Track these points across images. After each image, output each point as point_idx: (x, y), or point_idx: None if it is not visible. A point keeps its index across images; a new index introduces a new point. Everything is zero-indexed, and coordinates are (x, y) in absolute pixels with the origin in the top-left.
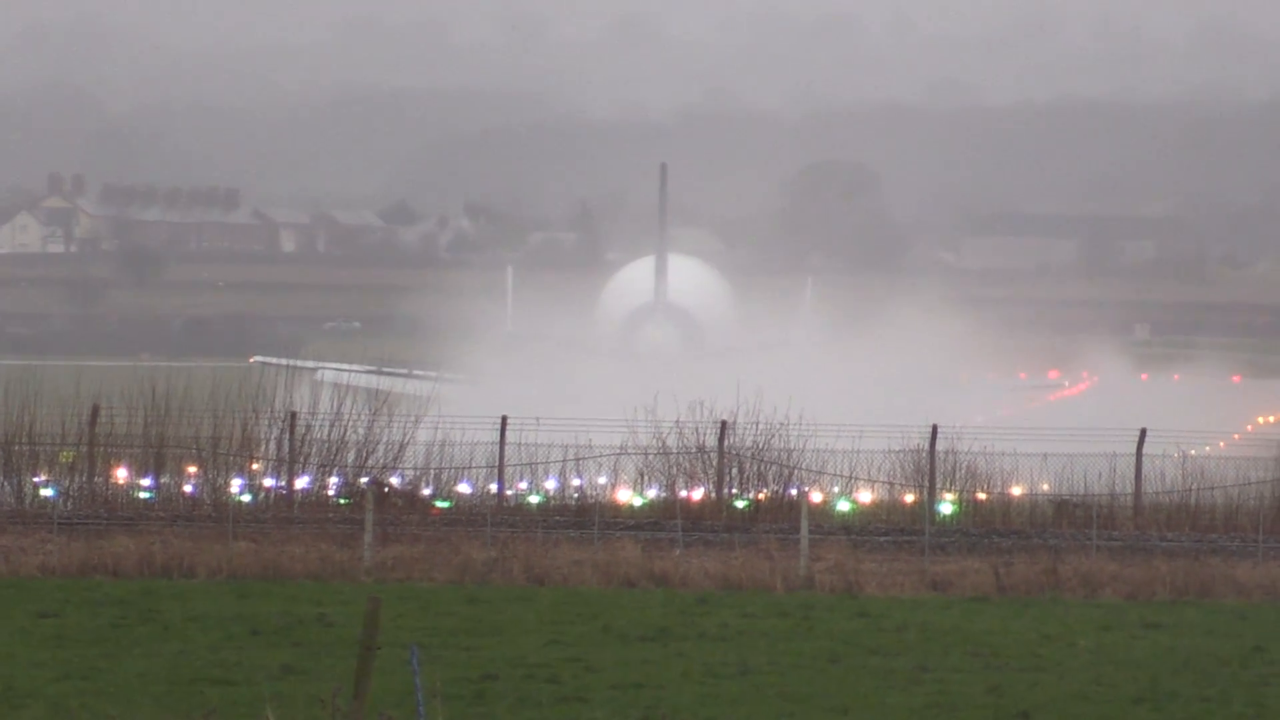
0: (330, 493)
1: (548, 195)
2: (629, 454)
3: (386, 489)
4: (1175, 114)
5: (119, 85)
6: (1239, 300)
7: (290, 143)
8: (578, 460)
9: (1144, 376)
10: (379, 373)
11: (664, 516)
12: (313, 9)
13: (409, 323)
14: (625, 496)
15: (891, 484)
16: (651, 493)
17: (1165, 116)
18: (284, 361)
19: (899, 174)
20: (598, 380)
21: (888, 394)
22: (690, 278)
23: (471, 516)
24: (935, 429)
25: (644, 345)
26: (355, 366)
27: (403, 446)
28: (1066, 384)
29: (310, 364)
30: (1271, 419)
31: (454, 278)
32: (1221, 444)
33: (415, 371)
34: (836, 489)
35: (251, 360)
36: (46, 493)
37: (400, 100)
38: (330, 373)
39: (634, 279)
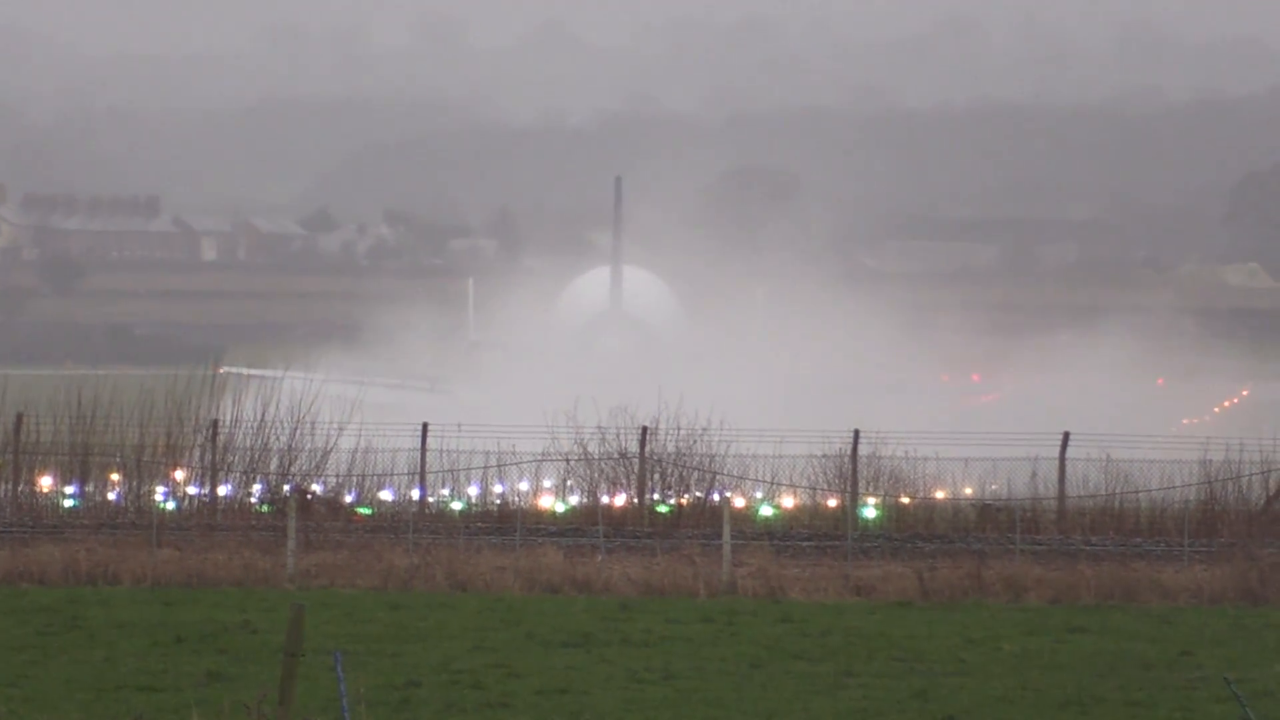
0: (253, 500)
1: (467, 202)
2: (551, 460)
3: (309, 496)
4: (1097, 117)
5: (39, 94)
6: (1162, 302)
7: (211, 150)
8: (499, 467)
9: (1061, 379)
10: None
11: (586, 522)
12: (234, 17)
13: (368, 331)
14: (547, 503)
15: (814, 489)
16: (574, 499)
17: (1087, 120)
18: (255, 372)
19: (820, 178)
20: (556, 387)
21: (814, 399)
22: (644, 288)
23: (394, 523)
24: (857, 433)
25: (600, 353)
26: (323, 375)
27: (325, 454)
28: (991, 389)
29: (275, 373)
30: (1195, 421)
31: (390, 285)
32: (1146, 448)
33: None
34: (759, 494)
35: (220, 370)
36: None
37: (320, 107)
38: (300, 382)
39: (591, 288)
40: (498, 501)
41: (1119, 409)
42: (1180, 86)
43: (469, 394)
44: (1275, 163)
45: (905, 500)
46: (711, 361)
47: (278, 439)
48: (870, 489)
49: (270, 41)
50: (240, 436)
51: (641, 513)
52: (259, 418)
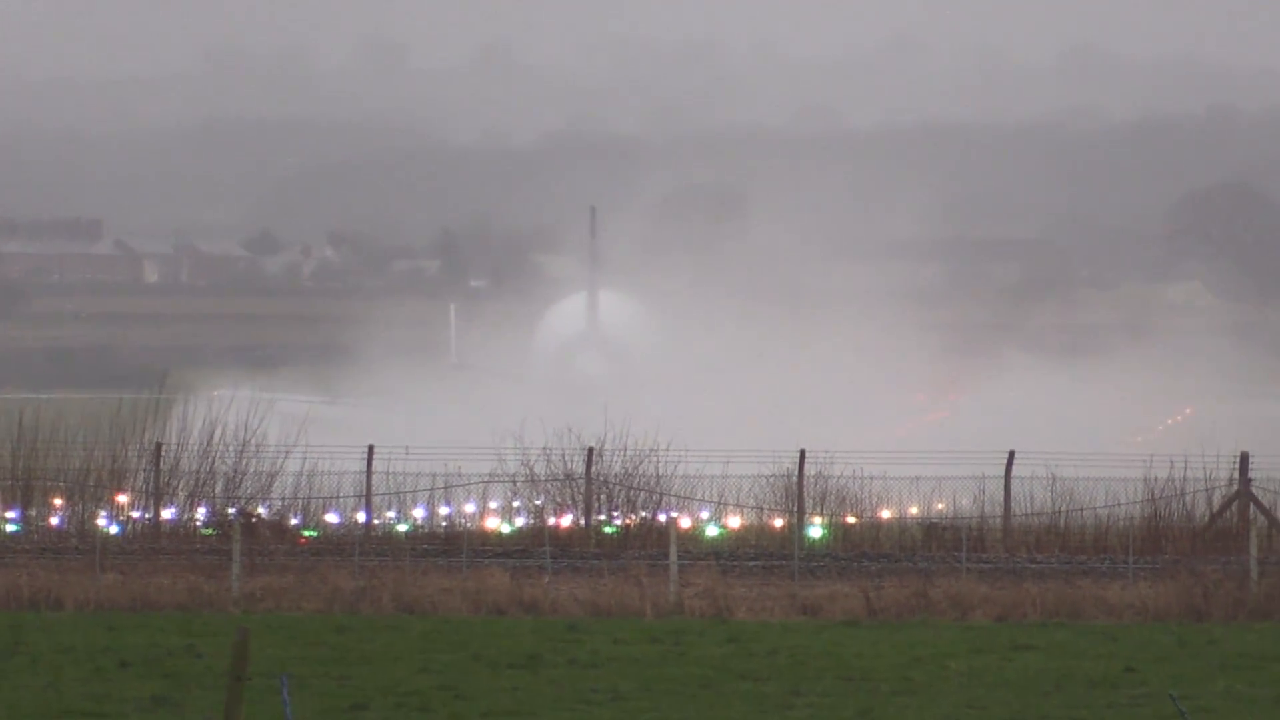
0: (198, 523)
1: (410, 223)
2: (497, 481)
3: (254, 519)
4: (1041, 136)
5: None
6: (1105, 321)
7: (153, 173)
8: (446, 488)
9: (1007, 397)
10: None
11: (533, 544)
12: (175, 39)
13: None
14: (494, 524)
15: (761, 509)
16: (520, 520)
17: (1029, 139)
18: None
19: (766, 198)
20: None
21: (763, 418)
22: (621, 311)
23: (340, 546)
24: (803, 453)
25: (576, 374)
26: (305, 397)
27: (271, 477)
28: (938, 408)
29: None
30: (1140, 439)
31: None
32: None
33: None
34: (706, 514)
35: (215, 394)
36: None
37: (263, 129)
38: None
39: (569, 312)
40: (444, 523)
41: (1064, 427)
42: (1122, 105)
43: (453, 415)
44: (1216, 181)
45: (851, 520)
46: (665, 382)
47: (223, 462)
48: (817, 508)
49: (212, 63)
50: (185, 459)
51: (588, 534)
52: (204, 441)
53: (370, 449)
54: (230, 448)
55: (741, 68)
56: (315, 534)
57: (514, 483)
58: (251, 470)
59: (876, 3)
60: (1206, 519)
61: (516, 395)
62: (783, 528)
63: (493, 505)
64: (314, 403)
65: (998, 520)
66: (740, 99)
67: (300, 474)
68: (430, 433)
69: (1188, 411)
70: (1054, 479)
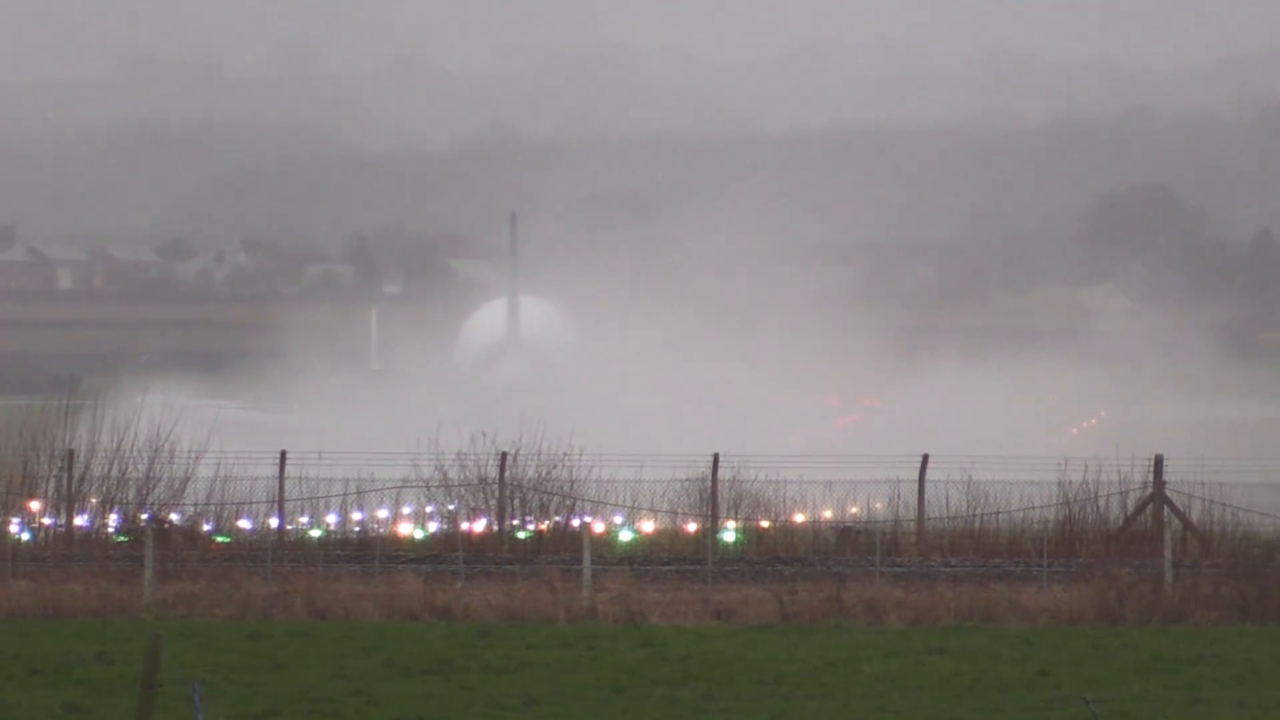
0: (110, 530)
1: (324, 229)
2: (410, 486)
3: (166, 525)
4: (953, 139)
5: None
6: (1021, 324)
7: (66, 179)
8: (359, 494)
9: (875, 402)
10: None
11: (445, 549)
12: (88, 45)
13: (258, 358)
14: (407, 529)
15: (675, 513)
16: (433, 525)
17: (943, 142)
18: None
19: (680, 203)
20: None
21: (678, 423)
22: (541, 316)
23: (252, 552)
24: (716, 457)
25: (497, 379)
26: (229, 403)
27: (184, 483)
28: (853, 412)
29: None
30: (1055, 443)
31: (253, 312)
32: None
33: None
34: (619, 519)
35: (142, 399)
36: None
37: (177, 135)
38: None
39: (490, 318)
40: (357, 529)
41: (979, 431)
42: (1036, 108)
43: (375, 419)
44: (1131, 184)
45: (765, 524)
46: (585, 386)
47: (135, 468)
48: (731, 513)
49: (125, 70)
50: (97, 466)
51: (501, 539)
52: (115, 447)
53: (283, 454)
54: (143, 454)
55: (655, 72)
56: (228, 540)
57: (427, 488)
58: (164, 476)
59: (789, 6)
60: (1121, 522)
61: (438, 400)
62: (696, 532)
63: (406, 511)
64: (238, 409)
65: (912, 524)
66: (653, 104)
67: (213, 480)
68: (353, 437)
69: (1102, 414)
70: (969, 482)
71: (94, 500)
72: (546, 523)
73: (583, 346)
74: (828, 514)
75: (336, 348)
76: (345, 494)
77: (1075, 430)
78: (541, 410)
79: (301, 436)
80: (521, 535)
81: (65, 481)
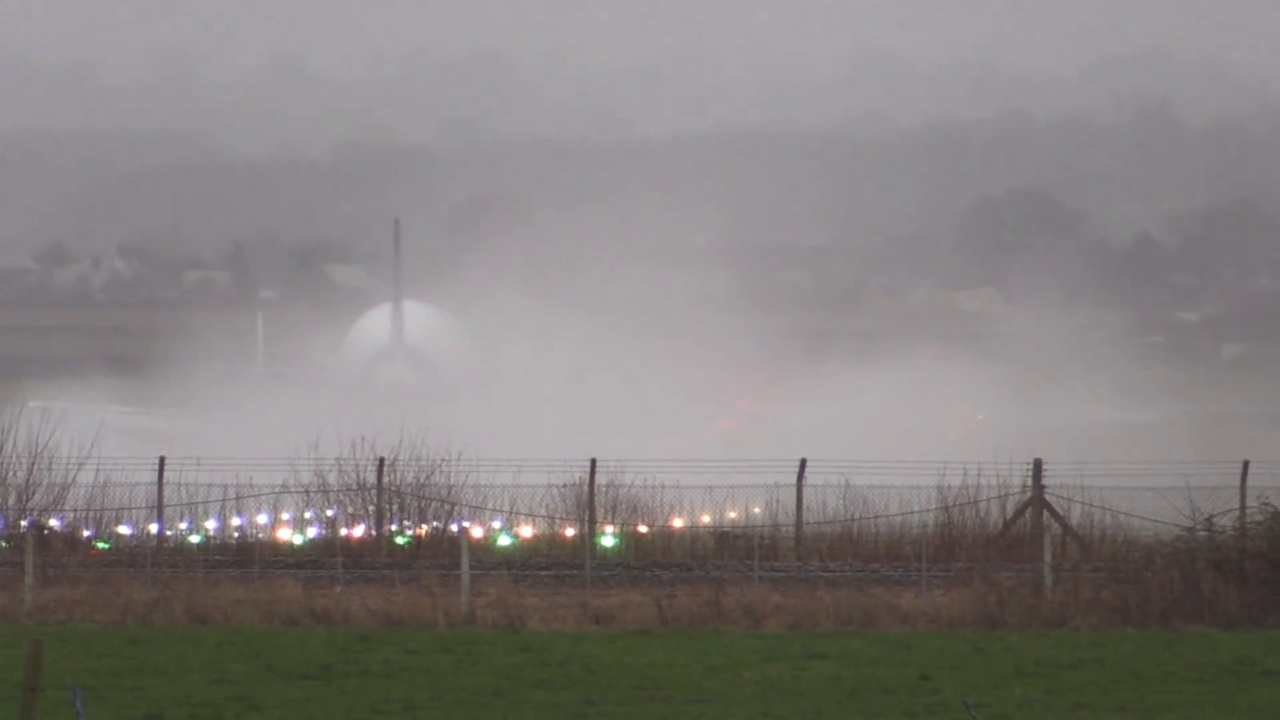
0: None
1: (200, 234)
2: (289, 492)
3: (46, 531)
4: (830, 143)
5: None
6: (898, 328)
7: None
8: (238, 499)
9: (775, 408)
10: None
11: (325, 554)
12: None
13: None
14: (286, 535)
15: (552, 518)
16: (312, 531)
17: (819, 146)
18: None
19: (555, 207)
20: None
21: (557, 427)
22: (425, 321)
23: (132, 557)
24: (594, 462)
25: (383, 385)
26: (123, 407)
27: (64, 488)
28: (730, 415)
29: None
30: (933, 446)
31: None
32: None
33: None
34: (498, 524)
35: (32, 404)
36: None
37: (52, 140)
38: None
39: (375, 323)
40: (236, 534)
41: (856, 435)
42: (911, 111)
43: (264, 423)
44: (1008, 187)
45: (644, 529)
46: (467, 391)
47: (15, 474)
48: (609, 517)
49: None
50: None
51: (380, 544)
52: None
53: (161, 460)
54: (22, 460)
55: (530, 77)
56: (108, 546)
57: (306, 493)
58: (44, 482)
59: (665, 11)
60: (1000, 526)
61: (326, 405)
62: (574, 537)
63: (285, 516)
64: (130, 413)
65: (790, 528)
66: (530, 109)
67: (93, 485)
68: (244, 442)
69: (980, 418)
70: (847, 486)
71: None
72: (425, 528)
73: (466, 351)
74: (706, 519)
75: (222, 353)
76: (225, 499)
77: (954, 434)
78: (425, 415)
79: (191, 442)
80: (400, 540)
81: None
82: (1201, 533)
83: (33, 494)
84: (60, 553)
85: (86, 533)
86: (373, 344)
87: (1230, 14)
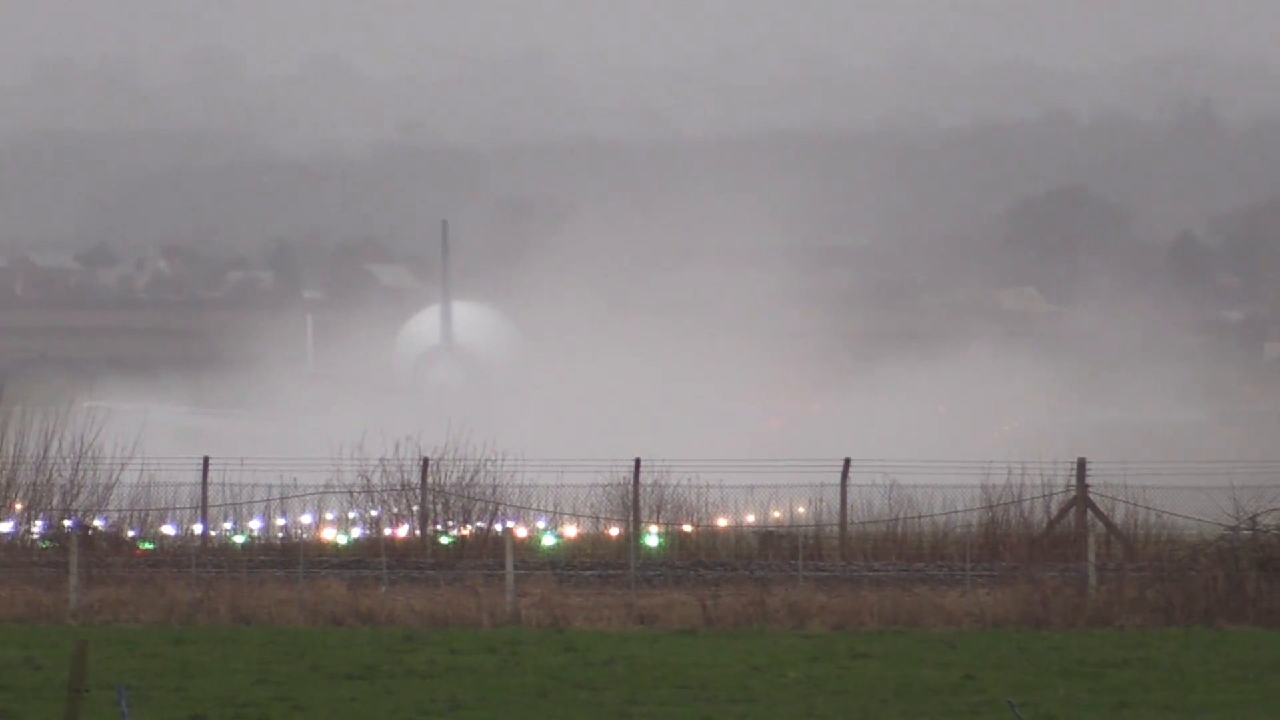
0: (35, 536)
1: (243, 234)
2: (334, 492)
3: (91, 531)
4: (872, 143)
5: None
6: (941, 328)
7: None
8: (283, 499)
9: (816, 407)
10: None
11: (369, 554)
12: (5, 53)
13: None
14: (331, 535)
15: (597, 518)
16: (357, 531)
17: (862, 146)
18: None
19: (598, 207)
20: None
21: (603, 427)
22: (476, 321)
23: (177, 557)
24: (638, 462)
25: (432, 385)
26: (177, 407)
27: (108, 489)
28: (775, 415)
29: (136, 405)
30: (977, 446)
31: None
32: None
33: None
34: (542, 524)
35: (86, 405)
36: None
37: (96, 142)
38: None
39: (424, 323)
40: (281, 534)
41: (901, 434)
42: (954, 111)
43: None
44: (1050, 187)
45: (688, 528)
46: (517, 392)
47: (60, 475)
48: (653, 517)
49: (42, 76)
50: (21, 472)
51: (424, 544)
52: (41, 454)
53: (205, 460)
54: (67, 460)
55: (573, 77)
56: (152, 546)
57: (350, 494)
58: (89, 483)
59: (708, 11)
60: (1044, 525)
61: (373, 407)
62: (619, 537)
63: (329, 516)
64: (180, 413)
65: (834, 528)
66: (572, 108)
67: (137, 486)
68: (292, 443)
69: (1024, 418)
70: (891, 486)
71: (19, 506)
72: (469, 528)
73: (515, 351)
74: (750, 518)
75: (270, 353)
76: (269, 499)
77: (997, 433)
78: (472, 415)
79: (243, 442)
80: (445, 540)
81: None
82: (1245, 532)
83: (77, 494)
84: (105, 553)
85: (131, 533)
86: (421, 344)
87: (1272, 14)
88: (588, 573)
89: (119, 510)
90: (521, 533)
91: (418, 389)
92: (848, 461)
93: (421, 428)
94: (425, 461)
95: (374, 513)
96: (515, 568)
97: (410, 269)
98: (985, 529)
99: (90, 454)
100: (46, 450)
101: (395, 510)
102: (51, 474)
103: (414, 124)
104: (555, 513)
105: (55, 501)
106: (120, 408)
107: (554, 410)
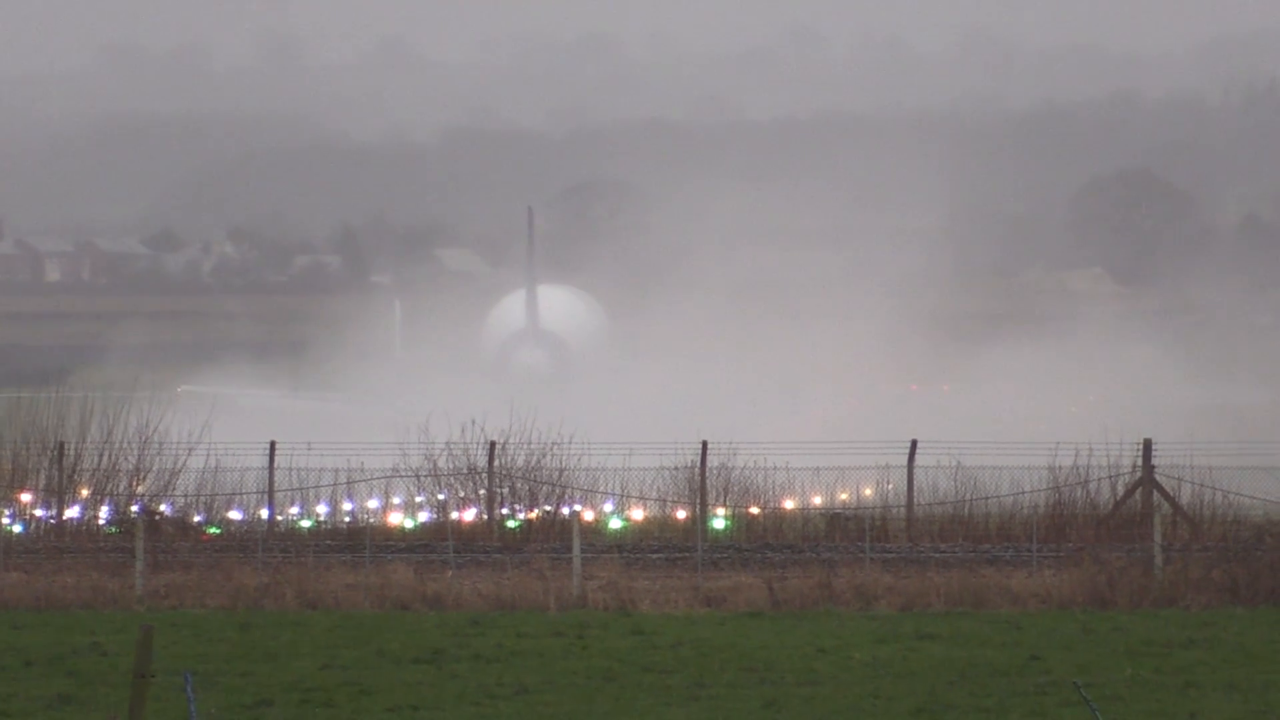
0: (102, 521)
1: (310, 219)
2: (400, 476)
3: (157, 517)
4: (938, 125)
5: None
6: (1008, 309)
7: (52, 172)
8: (348, 484)
9: (913, 387)
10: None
11: (436, 538)
12: (72, 36)
13: (299, 346)
14: (397, 519)
15: (664, 501)
16: (423, 515)
17: (928, 128)
18: (213, 390)
19: (664, 191)
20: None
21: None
22: (563, 305)
23: (243, 543)
24: (705, 444)
25: (518, 368)
26: (274, 391)
27: (174, 474)
28: (845, 398)
29: (234, 390)
30: (1044, 427)
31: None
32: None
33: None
34: (609, 507)
35: (180, 390)
36: None
37: (162, 126)
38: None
39: (513, 307)
40: (347, 519)
41: (968, 415)
42: (1021, 93)
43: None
44: (1117, 168)
45: (754, 511)
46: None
47: (126, 460)
48: (720, 500)
49: (110, 60)
50: (88, 457)
51: (491, 528)
52: (106, 438)
53: (272, 445)
54: (133, 445)
55: (640, 60)
56: (218, 531)
57: (417, 477)
58: (155, 467)
59: None
60: (1110, 506)
61: (463, 390)
62: (686, 519)
63: (396, 500)
64: (279, 396)
65: (901, 510)
66: (639, 92)
67: (203, 470)
68: (386, 426)
69: (1090, 399)
70: (958, 467)
71: (85, 492)
72: (536, 511)
73: (595, 335)
74: (817, 500)
75: (355, 338)
76: (335, 484)
77: (1064, 415)
78: (556, 399)
79: (345, 425)
80: (511, 524)
81: (56, 473)
82: None
83: (143, 479)
84: (170, 538)
85: (197, 518)
86: (506, 328)
87: None
88: (654, 556)
89: (185, 495)
90: (588, 516)
91: (505, 372)
92: (914, 443)
93: (498, 411)
94: (492, 445)
95: (440, 496)
96: (582, 551)
97: (477, 253)
98: (1052, 510)
99: (156, 439)
100: (110, 434)
101: (462, 494)
102: (117, 458)
103: (480, 108)
104: (622, 495)
105: (121, 487)
106: (216, 392)
107: (631, 393)
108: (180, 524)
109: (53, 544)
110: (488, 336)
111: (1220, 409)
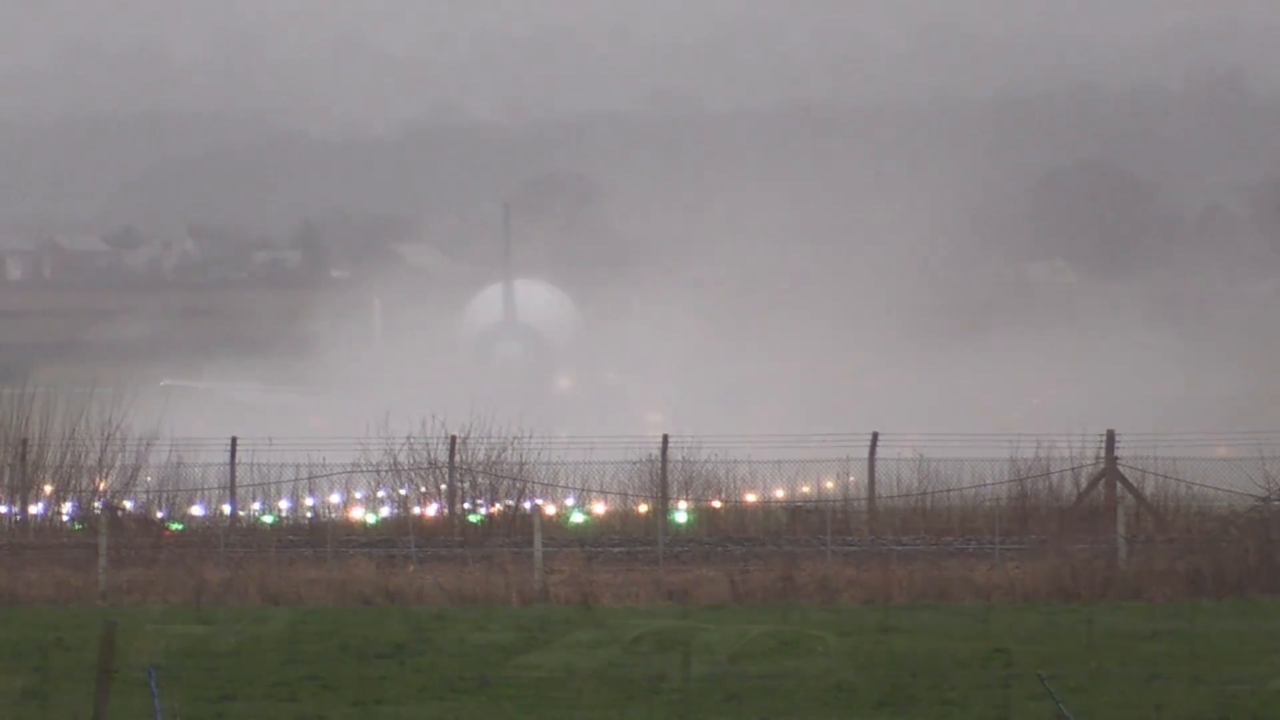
0: (65, 518)
1: (270, 214)
2: (361, 471)
3: (120, 513)
4: (898, 116)
5: None
6: (967, 300)
7: (11, 168)
8: (309, 479)
9: (875, 377)
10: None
11: (397, 534)
12: (29, 33)
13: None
14: (359, 515)
15: (625, 495)
16: (385, 510)
17: (888, 119)
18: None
19: (622, 184)
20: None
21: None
22: (538, 299)
23: (205, 538)
24: (666, 438)
25: (495, 362)
26: (251, 385)
27: (136, 470)
28: (802, 391)
29: (204, 385)
30: (1005, 419)
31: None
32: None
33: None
34: (570, 501)
35: (162, 385)
36: None
37: (121, 123)
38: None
39: (485, 303)
40: (309, 514)
41: (928, 408)
42: (981, 84)
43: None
44: (1078, 159)
45: (716, 504)
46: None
47: (88, 456)
48: (682, 494)
49: (68, 58)
50: (50, 454)
51: (453, 522)
52: (69, 435)
53: (234, 440)
54: (95, 441)
55: (598, 53)
56: (181, 527)
57: (378, 473)
58: (117, 464)
59: None
60: (1074, 498)
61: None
62: (647, 513)
63: (358, 496)
64: (259, 391)
65: (863, 503)
66: (596, 85)
67: (165, 466)
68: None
69: (1051, 390)
70: (920, 460)
71: (48, 488)
72: (498, 506)
73: (568, 329)
74: (779, 494)
75: (324, 332)
76: (296, 480)
77: (1025, 406)
78: (533, 392)
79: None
80: (473, 519)
81: (19, 470)
82: (1276, 502)
83: (105, 475)
84: (133, 534)
85: (159, 514)
86: (482, 324)
87: None
88: (616, 550)
89: (148, 492)
90: (550, 510)
91: (480, 368)
92: (875, 435)
93: (494, 404)
94: (453, 440)
95: (402, 491)
96: (544, 545)
97: (438, 247)
98: (1015, 502)
99: (119, 435)
100: (74, 431)
101: (423, 489)
102: (79, 455)
103: (439, 103)
104: (583, 490)
105: (84, 483)
106: (191, 386)
107: (600, 386)
108: (143, 520)
109: (16, 540)
110: (463, 331)
111: (1185, 400)
